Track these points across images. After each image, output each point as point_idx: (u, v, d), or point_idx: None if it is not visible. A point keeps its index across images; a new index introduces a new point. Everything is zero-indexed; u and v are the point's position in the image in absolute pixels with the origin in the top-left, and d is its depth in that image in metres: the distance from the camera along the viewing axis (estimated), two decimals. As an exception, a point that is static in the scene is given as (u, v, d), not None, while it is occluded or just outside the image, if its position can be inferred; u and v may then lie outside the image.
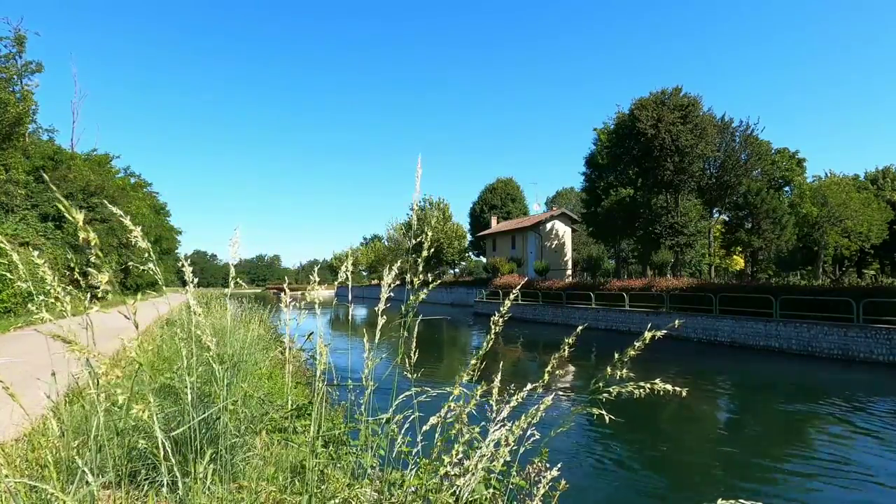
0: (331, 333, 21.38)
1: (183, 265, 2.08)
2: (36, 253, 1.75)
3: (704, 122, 28.01)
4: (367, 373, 2.31)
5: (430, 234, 2.31)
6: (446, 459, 1.92)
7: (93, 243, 1.56)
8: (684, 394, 1.82)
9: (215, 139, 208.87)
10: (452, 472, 2.00)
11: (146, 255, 1.85)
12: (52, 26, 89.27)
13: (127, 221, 1.73)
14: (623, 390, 1.91)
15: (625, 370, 1.90)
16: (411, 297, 2.27)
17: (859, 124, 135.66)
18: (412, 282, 2.30)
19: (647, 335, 1.85)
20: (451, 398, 2.11)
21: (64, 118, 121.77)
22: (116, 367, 1.63)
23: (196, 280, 2.14)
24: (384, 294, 2.24)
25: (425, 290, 2.27)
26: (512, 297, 2.24)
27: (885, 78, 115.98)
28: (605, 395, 1.96)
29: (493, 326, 2.20)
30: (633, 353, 1.90)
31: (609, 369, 1.93)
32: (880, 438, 8.20)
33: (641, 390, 1.88)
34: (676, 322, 1.93)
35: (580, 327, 2.20)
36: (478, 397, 2.14)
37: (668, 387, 1.83)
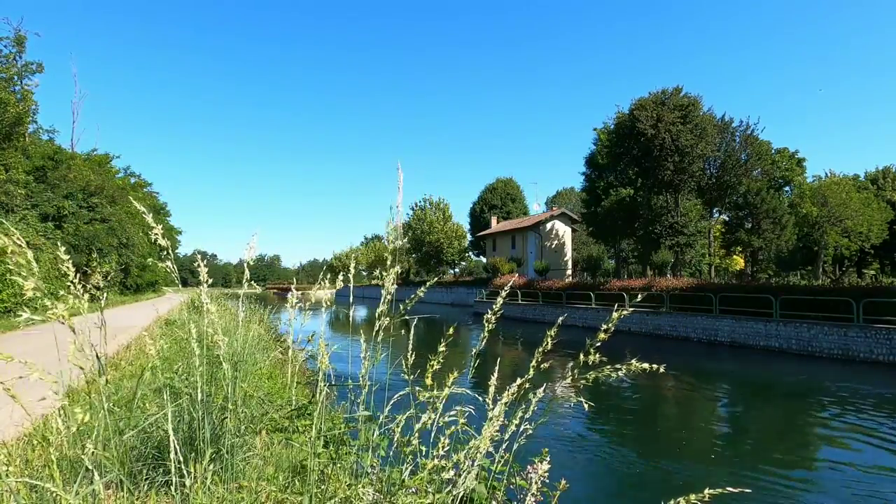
0: (331, 333, 21.38)
1: (199, 265, 2.09)
2: (63, 248, 1.76)
3: (704, 122, 28.01)
4: (364, 372, 2.31)
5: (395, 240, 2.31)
6: (434, 452, 1.91)
7: (8, 251, 1.55)
8: (661, 370, 1.86)
9: (215, 139, 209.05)
10: (450, 472, 1.99)
11: (165, 252, 1.86)
12: (52, 26, 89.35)
13: (150, 219, 1.75)
14: (599, 375, 1.93)
15: (597, 355, 1.91)
16: (401, 306, 2.28)
17: (859, 124, 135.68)
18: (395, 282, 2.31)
19: (615, 315, 1.89)
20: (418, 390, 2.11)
21: (64, 118, 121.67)
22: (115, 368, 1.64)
23: (210, 280, 2.16)
24: (385, 298, 2.24)
25: (422, 289, 2.27)
26: (504, 294, 2.24)
27: (885, 78, 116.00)
28: (584, 381, 1.99)
29: (486, 325, 2.22)
30: (603, 336, 1.93)
31: (581, 356, 1.94)
32: (879, 439, 8.19)
33: (617, 373, 1.91)
34: (614, 315, 1.93)
35: (560, 318, 2.23)
36: (428, 388, 2.15)
37: (645, 365, 1.86)
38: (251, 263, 2.26)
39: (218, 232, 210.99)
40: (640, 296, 2.06)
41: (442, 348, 2.18)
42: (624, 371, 1.91)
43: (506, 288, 2.33)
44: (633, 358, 1.93)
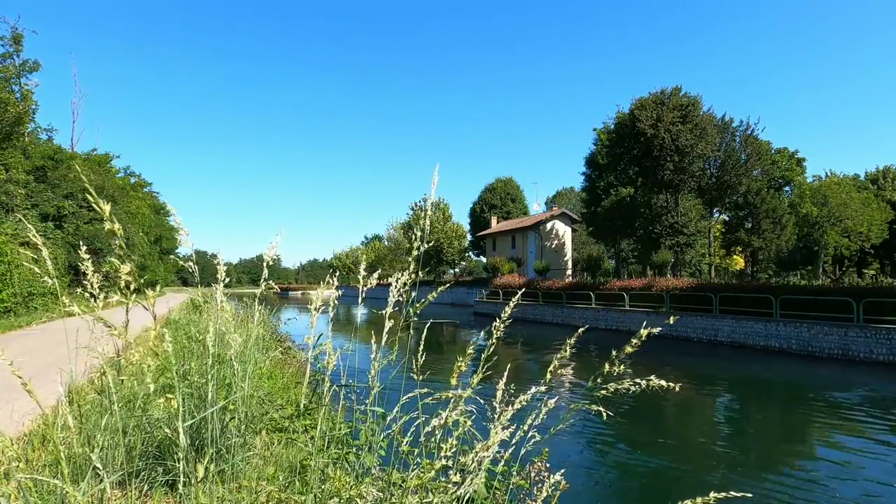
0: (332, 333, 21.37)
1: (218, 263, 2.12)
2: (84, 248, 1.78)
3: (704, 121, 28.01)
4: (374, 374, 2.31)
5: (420, 234, 2.32)
6: (442, 449, 1.90)
7: (118, 234, 1.59)
8: (677, 389, 1.84)
9: (216, 139, 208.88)
10: (454, 473, 1.99)
11: (170, 256, 1.88)
12: (51, 26, 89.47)
13: (184, 240, 1.77)
14: (620, 387, 1.92)
15: (622, 366, 1.90)
16: (414, 305, 2.27)
17: (859, 124, 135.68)
18: (410, 283, 2.31)
19: (644, 332, 1.83)
20: (446, 393, 2.11)
21: (64, 118, 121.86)
22: (138, 349, 1.64)
23: (226, 280, 2.18)
24: (392, 298, 2.25)
25: (435, 293, 2.28)
26: (514, 300, 2.23)
27: (885, 78, 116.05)
28: (603, 391, 1.97)
29: (493, 332, 2.20)
30: (629, 349, 1.89)
31: (607, 366, 1.93)
32: (878, 438, 8.20)
33: (637, 386, 1.89)
34: (671, 319, 1.90)
35: (581, 328, 2.19)
36: (470, 393, 2.13)
37: (663, 382, 1.85)
38: (237, 262, 2.27)
39: (218, 231, 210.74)
40: (667, 322, 1.97)
41: (470, 350, 2.16)
42: (644, 385, 1.88)
43: (519, 292, 2.32)
44: (633, 358, 1.93)
